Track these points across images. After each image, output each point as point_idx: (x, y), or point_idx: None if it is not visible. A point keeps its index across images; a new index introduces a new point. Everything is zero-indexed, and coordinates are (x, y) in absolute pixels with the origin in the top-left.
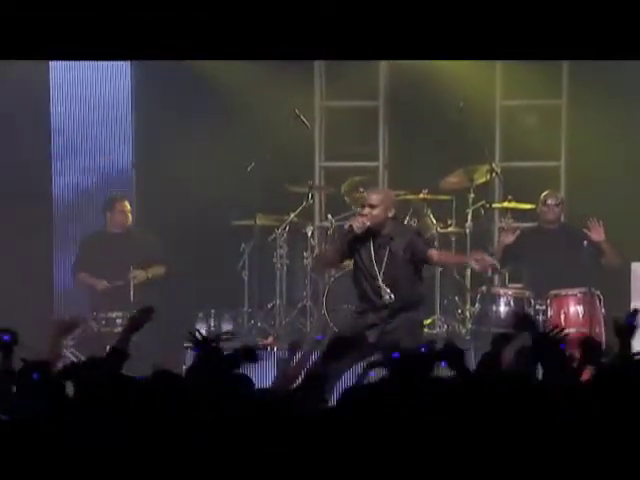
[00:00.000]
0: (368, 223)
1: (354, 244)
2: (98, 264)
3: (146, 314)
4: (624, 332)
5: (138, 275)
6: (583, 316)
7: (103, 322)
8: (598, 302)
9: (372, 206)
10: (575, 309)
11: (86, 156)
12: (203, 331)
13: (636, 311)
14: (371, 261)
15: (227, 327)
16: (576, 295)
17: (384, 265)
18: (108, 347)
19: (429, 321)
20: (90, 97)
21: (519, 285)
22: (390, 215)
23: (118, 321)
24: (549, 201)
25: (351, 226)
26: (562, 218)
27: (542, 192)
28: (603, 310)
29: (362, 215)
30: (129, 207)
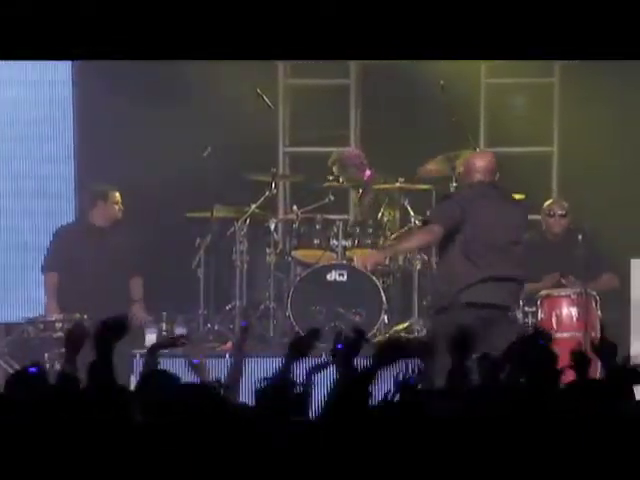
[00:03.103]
0: None
1: None
2: (79, 260)
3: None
4: None
5: (140, 315)
6: (577, 319)
7: (41, 326)
8: (594, 303)
9: None
10: (568, 311)
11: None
12: (153, 337)
13: None
14: None
15: (180, 331)
16: (569, 296)
17: None
18: (46, 355)
19: (405, 325)
20: (29, 96)
21: None
22: None
23: (58, 325)
24: (554, 211)
25: None
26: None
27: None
28: (599, 312)
29: None
30: (120, 199)
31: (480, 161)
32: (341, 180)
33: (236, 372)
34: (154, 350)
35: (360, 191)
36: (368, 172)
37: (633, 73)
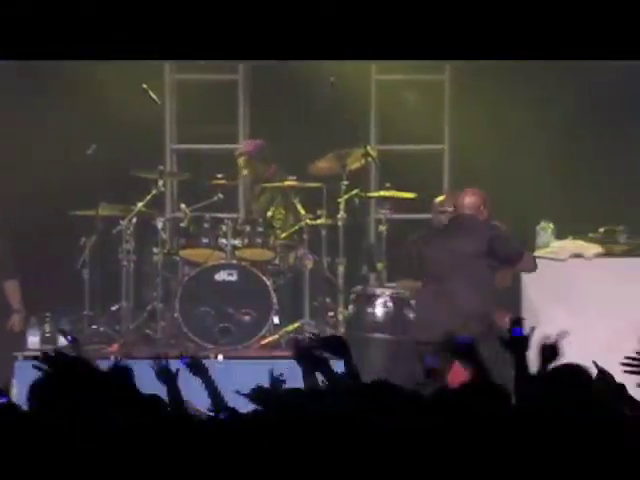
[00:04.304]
0: None
1: None
2: None
3: None
4: (515, 346)
5: (18, 322)
6: None
7: None
8: None
9: None
10: None
11: None
12: (36, 339)
13: (519, 319)
14: None
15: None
16: None
17: None
18: None
19: (296, 326)
20: None
21: (395, 284)
22: None
23: None
24: (445, 208)
25: None
26: None
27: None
28: None
29: None
30: None
31: (468, 198)
32: (245, 173)
33: None
34: None
35: (260, 188)
36: (272, 168)
37: (520, 73)
